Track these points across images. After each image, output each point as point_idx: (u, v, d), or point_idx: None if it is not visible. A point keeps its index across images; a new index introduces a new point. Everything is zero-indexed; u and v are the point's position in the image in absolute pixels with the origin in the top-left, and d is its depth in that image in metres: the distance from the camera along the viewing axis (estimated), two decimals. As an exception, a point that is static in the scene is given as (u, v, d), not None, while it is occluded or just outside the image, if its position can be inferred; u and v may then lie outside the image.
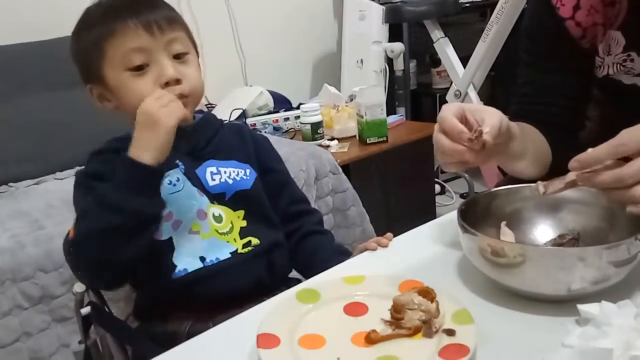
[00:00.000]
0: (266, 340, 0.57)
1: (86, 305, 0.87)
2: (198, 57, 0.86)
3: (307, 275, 0.95)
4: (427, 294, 0.61)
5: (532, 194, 0.67)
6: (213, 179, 0.86)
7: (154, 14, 0.81)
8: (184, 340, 0.65)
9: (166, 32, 0.81)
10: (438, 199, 2.48)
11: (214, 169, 0.87)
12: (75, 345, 0.94)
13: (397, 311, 0.60)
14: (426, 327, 0.58)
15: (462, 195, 2.67)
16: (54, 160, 1.79)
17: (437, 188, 2.55)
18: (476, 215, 0.69)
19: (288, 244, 0.93)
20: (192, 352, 0.63)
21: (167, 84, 0.80)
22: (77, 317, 0.91)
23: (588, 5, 0.85)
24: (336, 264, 0.82)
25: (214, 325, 0.68)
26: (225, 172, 0.87)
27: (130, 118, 0.85)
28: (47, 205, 1.48)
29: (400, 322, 0.59)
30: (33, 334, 1.24)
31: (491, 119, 0.69)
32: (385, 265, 0.76)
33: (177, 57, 0.82)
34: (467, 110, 0.70)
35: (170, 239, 0.82)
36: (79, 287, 0.89)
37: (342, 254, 0.91)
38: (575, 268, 0.57)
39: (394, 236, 0.83)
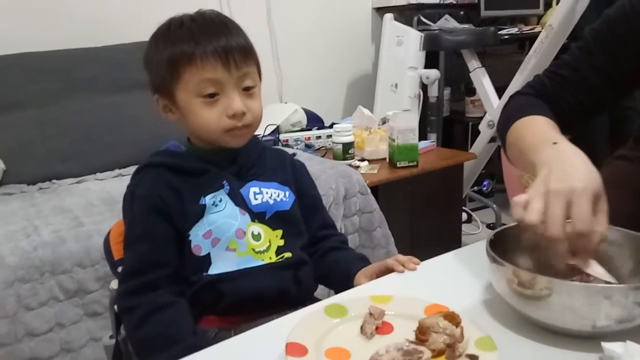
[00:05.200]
0: (294, 349, 0.59)
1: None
2: (260, 81, 0.91)
3: (330, 284, 0.99)
4: (452, 318, 0.63)
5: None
6: (256, 199, 0.91)
7: (231, 42, 0.85)
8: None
9: (241, 67, 0.85)
10: (464, 227, 2.48)
11: (257, 189, 0.92)
12: (106, 339, 0.98)
13: (422, 333, 0.62)
14: (450, 351, 0.60)
15: (488, 226, 2.66)
16: (95, 161, 1.87)
17: (464, 216, 2.55)
18: (505, 246, 0.71)
19: (312, 259, 0.96)
20: (220, 356, 0.65)
21: (233, 116, 0.86)
22: (111, 313, 0.95)
23: None
24: (356, 269, 0.88)
25: (236, 335, 0.70)
26: (267, 193, 0.92)
27: (190, 133, 0.92)
28: (88, 204, 1.55)
29: (424, 344, 0.61)
30: (66, 326, 1.29)
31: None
32: (411, 288, 0.78)
33: (246, 89, 0.87)
34: None
35: (209, 254, 0.87)
36: (115, 284, 0.93)
37: (362, 260, 0.95)
38: (601, 305, 0.58)
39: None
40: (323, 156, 2.12)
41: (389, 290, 0.74)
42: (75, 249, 1.31)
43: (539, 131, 0.82)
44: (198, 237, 0.87)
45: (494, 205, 2.68)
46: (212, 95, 0.85)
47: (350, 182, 1.80)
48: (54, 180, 1.79)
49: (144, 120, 1.90)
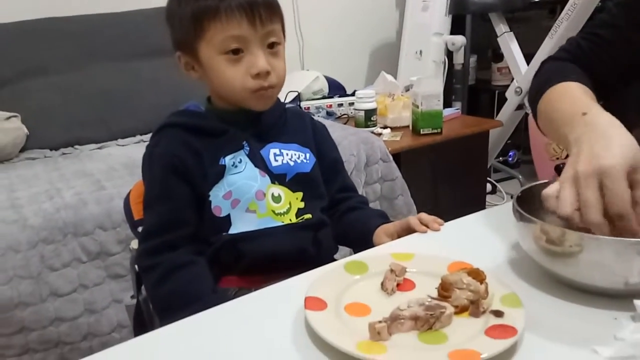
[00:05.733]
0: (314, 303, 0.58)
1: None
2: (285, 40, 0.88)
3: (349, 242, 0.98)
4: (476, 275, 0.60)
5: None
6: (276, 160, 0.89)
7: None
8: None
9: (266, 24, 0.83)
10: (488, 198, 2.43)
11: (277, 151, 0.90)
12: (127, 299, 0.99)
13: (445, 289, 0.60)
14: (473, 307, 0.58)
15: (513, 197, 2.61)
16: (116, 128, 1.88)
17: (489, 187, 2.50)
18: (532, 205, 0.68)
19: (331, 221, 0.95)
20: (239, 310, 0.65)
21: (257, 75, 0.83)
22: (132, 273, 0.96)
23: None
24: (375, 224, 0.87)
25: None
26: (287, 154, 0.90)
27: (212, 91, 0.90)
28: (109, 168, 1.56)
29: (447, 300, 0.59)
30: (89, 287, 1.31)
31: None
32: (434, 247, 0.76)
33: (270, 46, 0.84)
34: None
35: (229, 215, 0.86)
36: (136, 244, 0.93)
37: (381, 217, 0.93)
38: (635, 261, 0.56)
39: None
40: (345, 124, 2.09)
41: (410, 249, 0.72)
42: (97, 211, 1.32)
43: (571, 101, 0.76)
44: (218, 197, 0.86)
45: (520, 177, 2.62)
46: (236, 52, 0.82)
47: (372, 149, 1.77)
48: (76, 146, 1.81)
49: (165, 85, 1.90)
